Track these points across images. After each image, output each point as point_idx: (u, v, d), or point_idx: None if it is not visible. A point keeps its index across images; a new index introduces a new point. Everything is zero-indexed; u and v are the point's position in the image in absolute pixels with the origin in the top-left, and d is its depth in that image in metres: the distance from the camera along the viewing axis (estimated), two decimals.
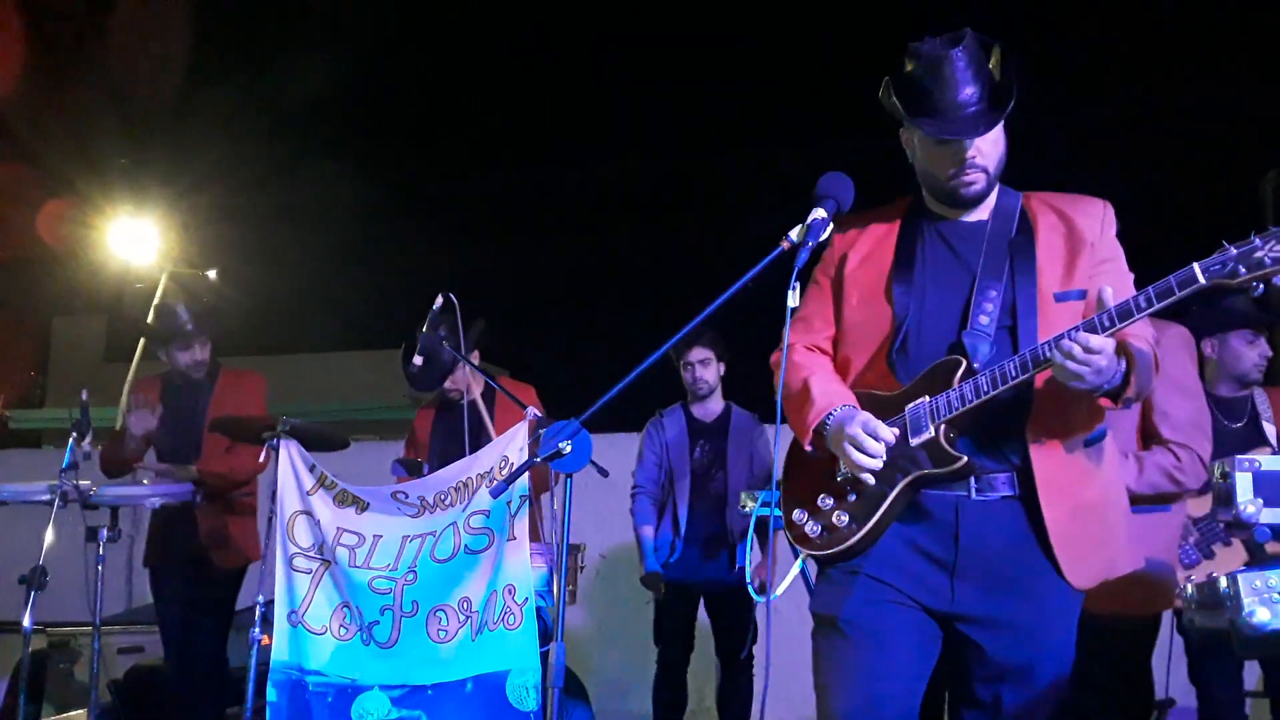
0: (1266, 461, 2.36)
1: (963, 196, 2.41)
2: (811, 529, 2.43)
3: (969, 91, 2.31)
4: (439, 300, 4.20)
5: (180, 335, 4.78)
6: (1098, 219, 2.43)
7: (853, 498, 2.38)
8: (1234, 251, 2.10)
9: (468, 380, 4.59)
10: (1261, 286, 2.09)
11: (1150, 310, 2.14)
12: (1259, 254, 2.08)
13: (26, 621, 4.09)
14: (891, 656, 2.34)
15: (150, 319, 5.02)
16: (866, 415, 2.34)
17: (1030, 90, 2.36)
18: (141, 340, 8.86)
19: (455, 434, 4.43)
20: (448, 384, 4.61)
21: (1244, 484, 2.37)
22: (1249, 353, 4.03)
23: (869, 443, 2.29)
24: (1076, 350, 2.14)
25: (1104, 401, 2.27)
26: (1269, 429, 4.01)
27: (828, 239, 2.39)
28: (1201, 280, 2.11)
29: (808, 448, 2.44)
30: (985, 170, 2.39)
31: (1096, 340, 2.15)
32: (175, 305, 4.82)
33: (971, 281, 2.39)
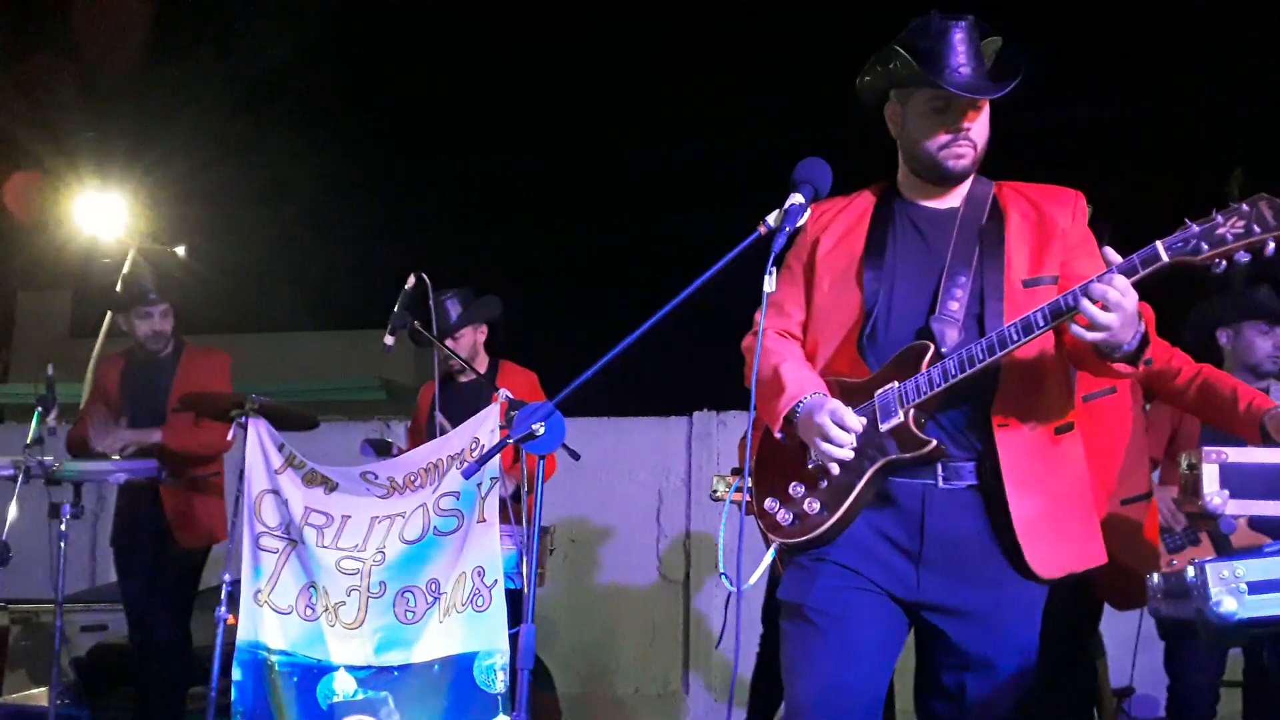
0: (1233, 453, 2.39)
1: (949, 170, 2.41)
2: (783, 517, 2.43)
3: (972, 65, 2.34)
4: (411, 280, 4.18)
5: (141, 300, 4.74)
6: (1068, 208, 2.44)
7: (824, 485, 2.38)
8: (1196, 229, 2.10)
9: (473, 349, 4.62)
10: (1224, 263, 2.09)
11: None
12: (1220, 230, 2.08)
13: None
14: (856, 642, 2.35)
15: (117, 286, 4.99)
16: (835, 403, 2.34)
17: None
18: (108, 316, 8.78)
19: (461, 411, 4.39)
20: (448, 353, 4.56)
21: (1210, 475, 2.40)
22: (1263, 343, 4.05)
23: (836, 432, 2.29)
24: (1111, 294, 2.10)
25: (1122, 367, 2.24)
26: None
27: (802, 223, 2.39)
28: (1165, 258, 2.12)
29: (778, 435, 2.44)
30: (974, 145, 2.40)
31: (1122, 281, 2.11)
32: (139, 272, 4.81)
33: (941, 269, 2.40)
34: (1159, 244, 2.13)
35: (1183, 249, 2.11)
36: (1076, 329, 2.16)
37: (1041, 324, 2.20)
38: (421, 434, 4.70)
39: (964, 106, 2.36)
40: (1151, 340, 2.25)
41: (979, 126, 2.40)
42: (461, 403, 4.53)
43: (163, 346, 4.82)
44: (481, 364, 4.72)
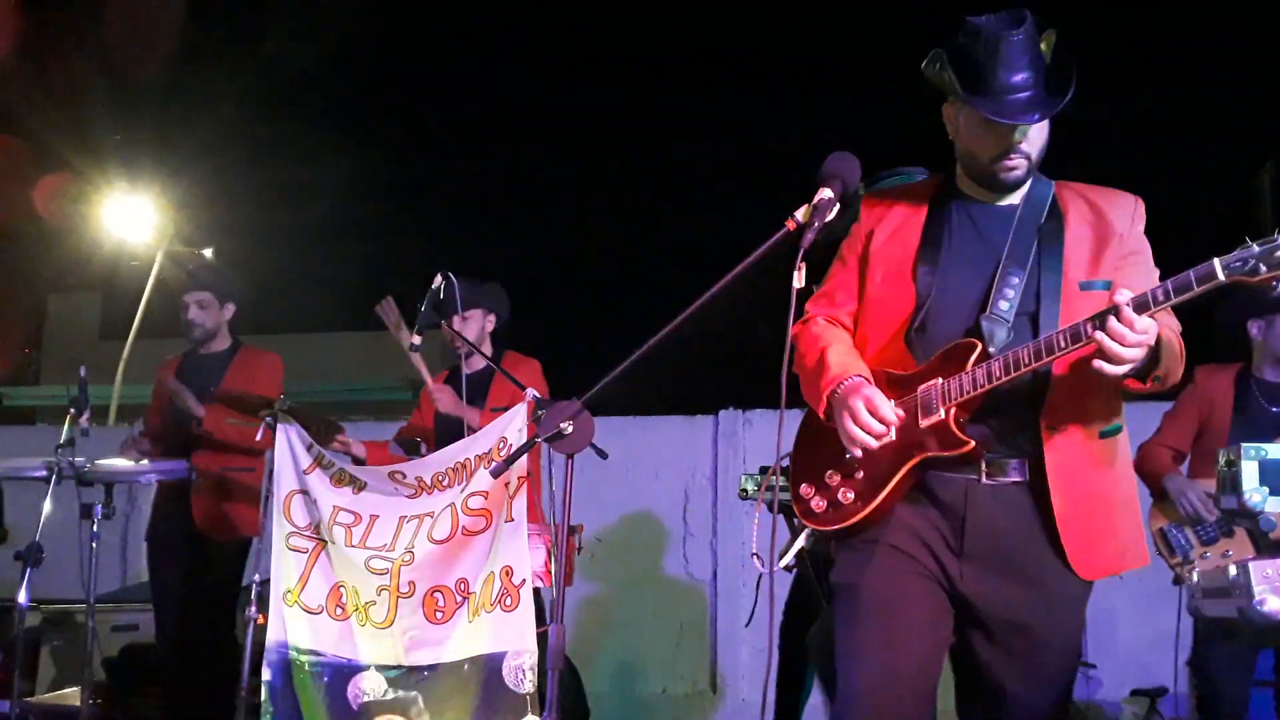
0: (1273, 450, 2.35)
1: (1002, 181, 2.39)
2: (817, 504, 2.41)
3: (1025, 75, 2.26)
4: (437, 280, 4.17)
5: (186, 285, 4.87)
6: (1128, 213, 2.41)
7: (860, 474, 2.36)
8: (1256, 249, 2.05)
9: (480, 334, 4.55)
10: None
11: (1167, 304, 2.11)
12: None
13: (22, 598, 4.09)
14: (910, 626, 2.32)
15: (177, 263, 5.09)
16: (872, 391, 2.32)
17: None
18: (138, 317, 8.87)
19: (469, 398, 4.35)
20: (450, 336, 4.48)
21: (1250, 472, 2.36)
22: None
23: (866, 418, 2.27)
24: (1131, 337, 2.09)
25: (1132, 383, 2.23)
26: None
27: (853, 216, 2.35)
28: (1221, 277, 2.07)
29: (821, 415, 2.41)
30: (1029, 157, 2.36)
31: (1143, 322, 2.09)
32: (193, 263, 4.89)
33: (996, 265, 2.37)
34: (1216, 262, 2.08)
35: (1240, 269, 2.06)
36: (1101, 364, 2.13)
37: (1089, 333, 2.15)
38: (429, 438, 4.63)
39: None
40: (1164, 356, 2.20)
41: (1034, 137, 2.35)
42: (469, 391, 4.46)
43: (202, 338, 4.87)
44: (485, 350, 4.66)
